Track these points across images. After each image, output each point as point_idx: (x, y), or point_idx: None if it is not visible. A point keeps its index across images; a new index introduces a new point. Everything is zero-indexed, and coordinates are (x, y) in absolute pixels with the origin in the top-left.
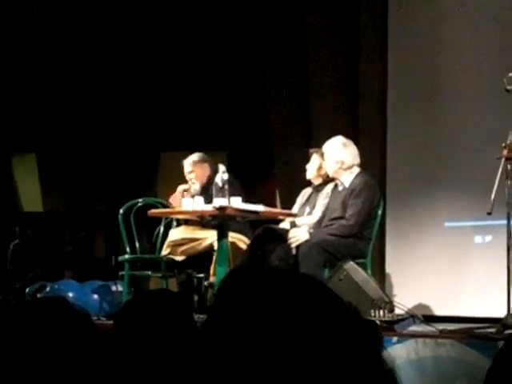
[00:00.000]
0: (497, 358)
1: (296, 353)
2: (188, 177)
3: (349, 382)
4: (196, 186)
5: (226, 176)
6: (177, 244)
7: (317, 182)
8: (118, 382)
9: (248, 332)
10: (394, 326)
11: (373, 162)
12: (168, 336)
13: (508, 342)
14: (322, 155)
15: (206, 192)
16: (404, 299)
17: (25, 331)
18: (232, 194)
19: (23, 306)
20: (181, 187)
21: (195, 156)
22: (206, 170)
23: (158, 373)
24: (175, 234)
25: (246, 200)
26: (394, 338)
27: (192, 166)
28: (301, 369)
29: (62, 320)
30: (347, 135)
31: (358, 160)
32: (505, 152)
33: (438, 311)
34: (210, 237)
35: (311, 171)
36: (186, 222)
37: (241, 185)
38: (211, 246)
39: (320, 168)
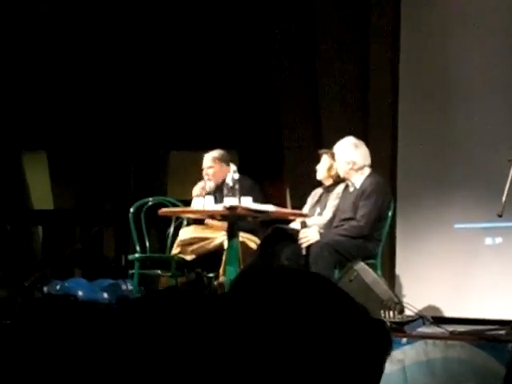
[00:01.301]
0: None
1: (306, 351)
2: (205, 171)
3: (356, 379)
4: (211, 184)
5: (236, 176)
6: (187, 243)
7: (327, 182)
8: (126, 378)
9: (259, 331)
10: (403, 327)
11: (383, 164)
12: (178, 334)
13: None
14: (332, 156)
15: (219, 192)
16: (414, 300)
17: (34, 328)
18: (250, 196)
19: (32, 303)
20: (198, 186)
21: (218, 153)
22: (225, 170)
23: (167, 370)
24: (185, 233)
25: (262, 200)
26: (404, 339)
27: (212, 161)
28: (310, 366)
29: (72, 318)
30: (358, 136)
31: (369, 161)
32: None
33: (448, 313)
34: (219, 236)
35: (321, 172)
36: (196, 222)
37: (257, 185)
38: (221, 245)
39: (330, 169)
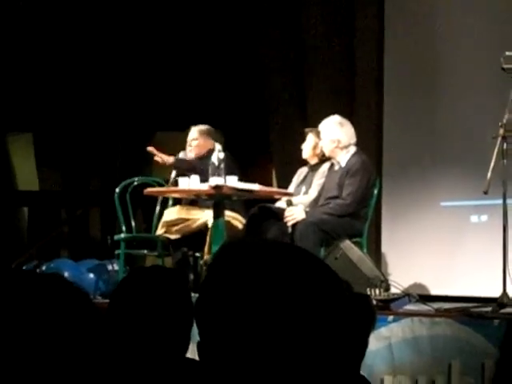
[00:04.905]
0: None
1: (287, 325)
2: (189, 143)
3: (340, 353)
4: (191, 155)
5: (221, 155)
6: (171, 224)
7: (313, 161)
8: (114, 359)
9: (240, 306)
10: (389, 305)
11: (369, 142)
12: (164, 312)
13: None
14: (317, 134)
15: (199, 164)
16: (400, 278)
17: (20, 307)
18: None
19: (19, 281)
20: (178, 156)
21: (204, 126)
22: (208, 144)
23: (153, 350)
24: (170, 214)
25: (241, 178)
26: (390, 317)
27: (198, 133)
28: (292, 341)
29: (59, 296)
30: (343, 114)
31: (354, 139)
32: (501, 131)
33: (434, 290)
34: (204, 216)
35: (307, 150)
36: (180, 202)
37: (236, 163)
38: (205, 224)
39: (315, 147)
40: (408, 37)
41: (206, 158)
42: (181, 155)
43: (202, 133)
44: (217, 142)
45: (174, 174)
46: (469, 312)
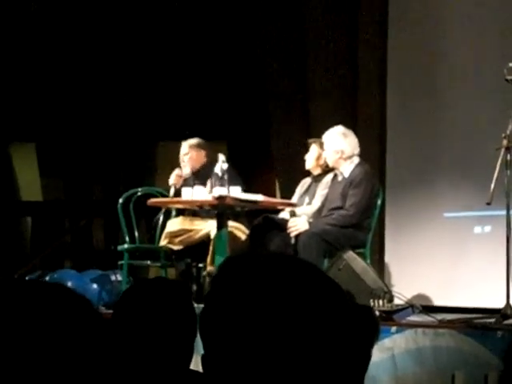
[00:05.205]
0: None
1: (290, 337)
2: (182, 158)
3: (343, 366)
4: (187, 170)
5: (225, 166)
6: (174, 235)
7: (316, 172)
8: (117, 370)
9: (244, 318)
10: (392, 316)
11: (372, 153)
12: (168, 323)
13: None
14: (320, 145)
15: (195, 178)
16: (403, 289)
17: (23, 317)
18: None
19: (22, 290)
20: (174, 173)
21: (194, 140)
22: (201, 156)
23: (157, 361)
24: (173, 224)
25: (244, 189)
26: (393, 328)
27: (189, 147)
28: (295, 354)
29: (63, 305)
30: (346, 125)
31: (357, 150)
32: (504, 142)
33: (437, 301)
34: (206, 226)
35: (310, 161)
36: (182, 213)
37: (239, 174)
38: (207, 235)
39: (319, 158)
40: (411, 47)
41: (203, 171)
42: (176, 171)
43: (192, 146)
44: (219, 153)
45: (172, 191)
46: (472, 323)
